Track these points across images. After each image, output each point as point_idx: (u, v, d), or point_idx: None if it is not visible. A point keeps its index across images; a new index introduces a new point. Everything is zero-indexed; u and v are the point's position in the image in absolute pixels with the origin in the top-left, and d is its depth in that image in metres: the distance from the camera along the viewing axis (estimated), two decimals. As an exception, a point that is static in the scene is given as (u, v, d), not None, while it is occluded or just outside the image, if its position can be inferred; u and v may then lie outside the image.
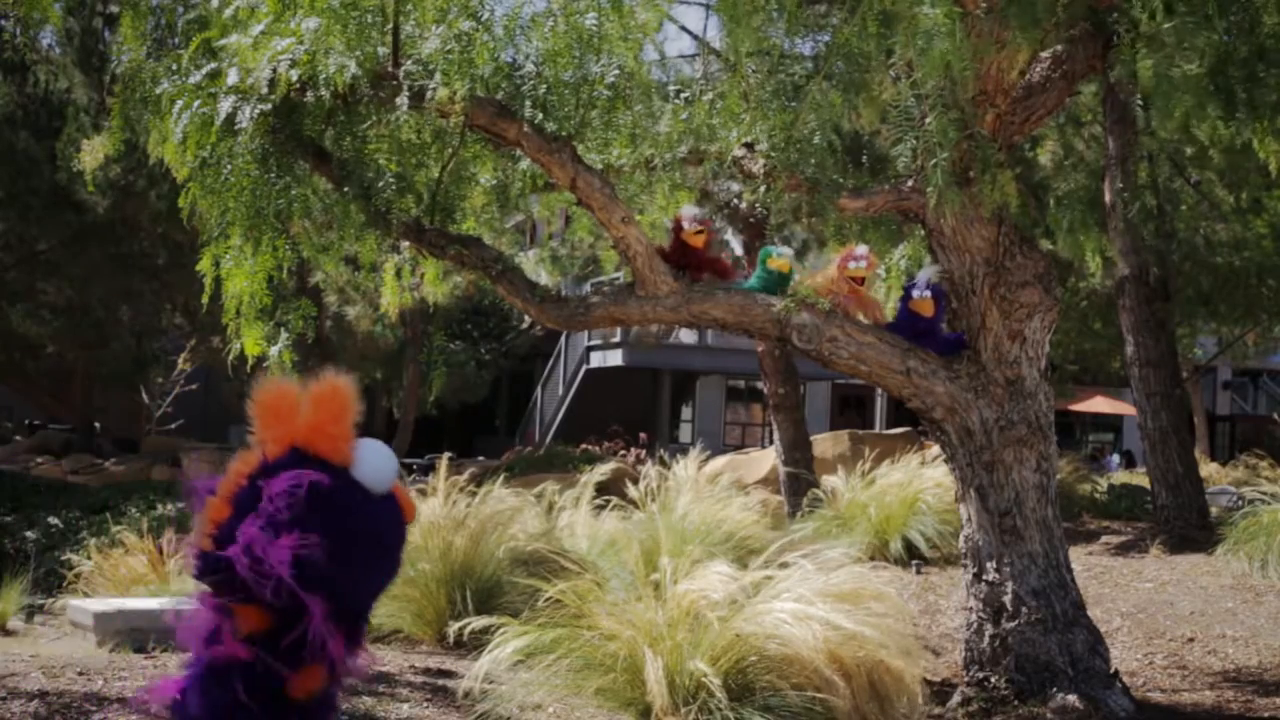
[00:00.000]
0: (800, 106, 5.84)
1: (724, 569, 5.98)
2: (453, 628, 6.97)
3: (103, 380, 22.53)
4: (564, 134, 5.99)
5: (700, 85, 7.00)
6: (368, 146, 6.20)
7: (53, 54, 18.13)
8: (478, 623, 6.44)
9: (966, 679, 6.26)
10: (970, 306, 6.26)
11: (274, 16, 5.80)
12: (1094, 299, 15.66)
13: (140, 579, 9.90)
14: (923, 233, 6.54)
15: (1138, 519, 13.30)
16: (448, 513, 8.51)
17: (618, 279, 6.36)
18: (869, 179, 7.13)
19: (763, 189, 6.23)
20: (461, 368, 24.43)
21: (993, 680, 6.10)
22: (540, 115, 5.93)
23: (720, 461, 15.75)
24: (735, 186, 12.23)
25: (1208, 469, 18.67)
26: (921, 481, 10.76)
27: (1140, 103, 5.42)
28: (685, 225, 6.26)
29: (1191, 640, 7.79)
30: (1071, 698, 5.87)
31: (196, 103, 5.83)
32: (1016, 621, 6.08)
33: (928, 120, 5.61)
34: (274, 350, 6.25)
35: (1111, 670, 6.17)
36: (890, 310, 6.68)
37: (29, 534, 13.88)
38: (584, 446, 18.80)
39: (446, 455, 9.74)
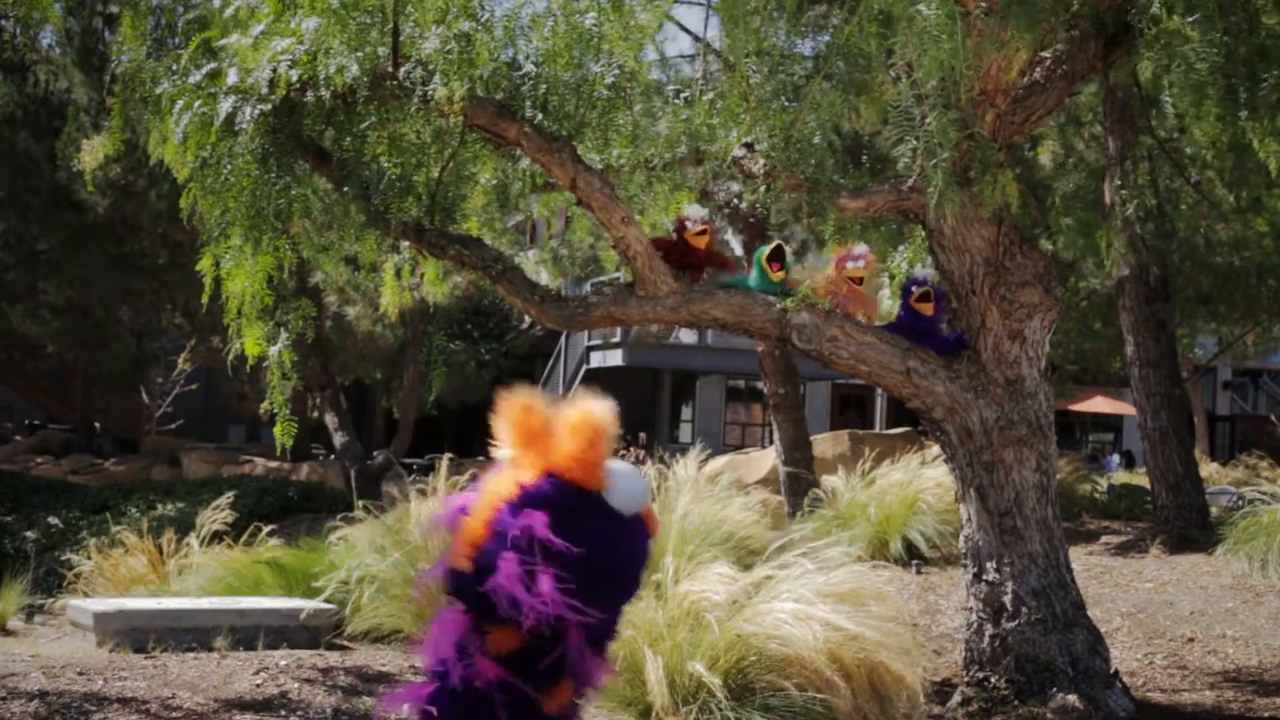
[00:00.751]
0: (800, 106, 5.84)
1: (724, 569, 5.98)
2: (453, 627, 6.96)
3: (103, 380, 22.53)
4: (564, 134, 5.99)
5: (700, 85, 7.00)
6: (367, 146, 6.20)
7: (53, 54, 18.12)
8: (478, 623, 6.43)
9: (966, 679, 6.26)
10: (970, 306, 6.26)
11: (274, 16, 5.80)
12: (1094, 299, 15.67)
13: (140, 579, 9.90)
14: (923, 233, 6.54)
15: (1138, 519, 13.29)
16: (448, 513, 8.50)
17: (618, 279, 6.36)
18: (869, 179, 7.14)
19: (763, 189, 6.23)
20: (461, 368, 24.44)
21: (993, 680, 6.10)
22: (540, 115, 5.93)
23: (720, 461, 15.75)
24: (735, 186, 12.23)
25: (1208, 469, 18.67)
26: (921, 481, 10.76)
27: (1169, 100, 5.39)
28: (688, 226, 6.26)
29: (1191, 640, 7.79)
30: (1071, 698, 5.87)
31: (196, 103, 5.83)
32: (1016, 621, 6.08)
33: (928, 120, 5.61)
34: (274, 350, 6.25)
35: (1111, 670, 6.17)
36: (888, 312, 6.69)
37: (29, 534, 13.88)
38: (584, 446, 18.76)
39: (446, 455, 9.75)
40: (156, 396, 24.61)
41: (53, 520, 14.16)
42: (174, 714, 5.74)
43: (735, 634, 5.56)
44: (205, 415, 27.94)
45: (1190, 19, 5.12)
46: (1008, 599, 6.12)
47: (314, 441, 21.58)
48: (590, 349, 26.73)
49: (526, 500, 3.16)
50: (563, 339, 27.06)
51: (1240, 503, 12.00)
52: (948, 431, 6.28)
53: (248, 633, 7.72)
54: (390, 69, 5.82)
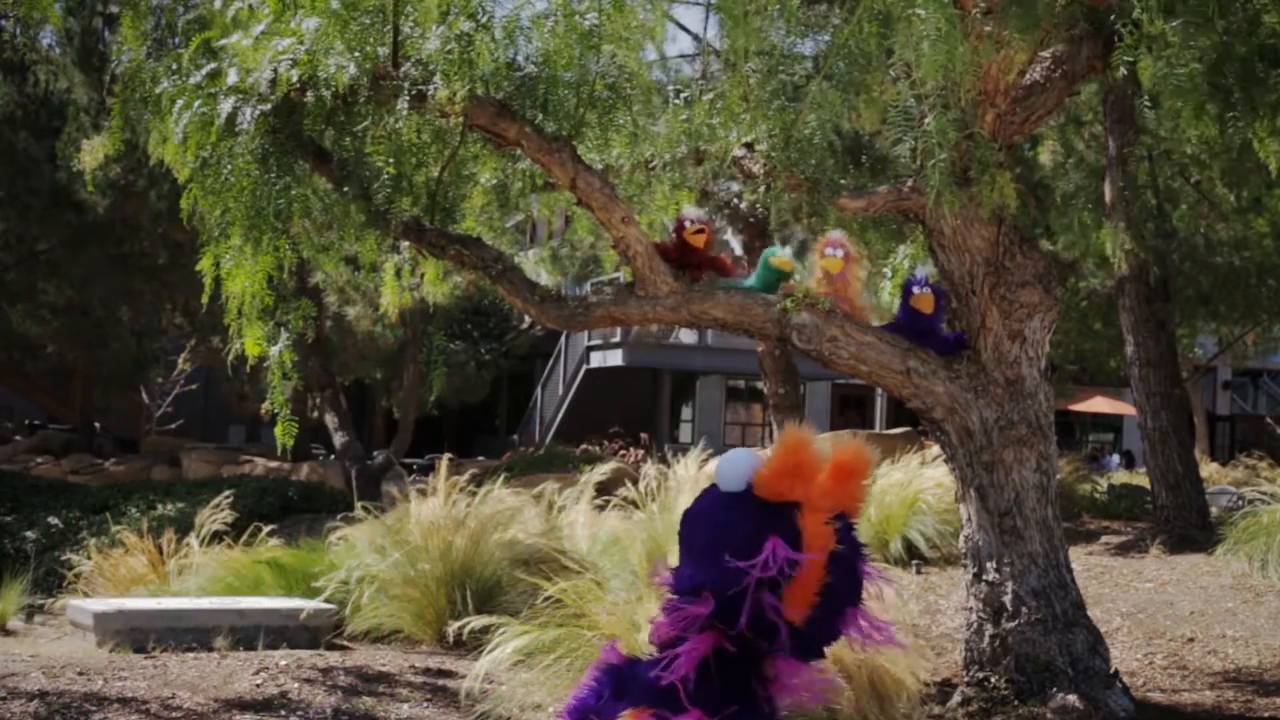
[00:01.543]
0: (800, 106, 5.83)
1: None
2: (453, 627, 6.97)
3: (103, 380, 22.51)
4: (564, 134, 5.99)
5: (700, 85, 6.99)
6: (368, 146, 6.20)
7: (53, 54, 18.10)
8: (478, 622, 6.45)
9: (966, 679, 6.26)
10: (970, 306, 6.25)
11: (274, 17, 5.80)
12: (1094, 299, 15.66)
13: (140, 579, 9.90)
14: (923, 232, 6.54)
15: (1138, 519, 13.29)
16: (448, 513, 8.52)
17: (618, 279, 6.36)
18: (869, 179, 7.13)
19: (763, 189, 6.23)
20: (461, 368, 24.43)
21: (993, 680, 6.10)
22: (540, 115, 5.93)
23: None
24: (735, 186, 12.23)
25: (1208, 469, 18.66)
26: (921, 481, 10.76)
27: (1149, 104, 5.41)
28: (686, 225, 6.26)
29: (1191, 640, 7.79)
30: (1071, 698, 5.87)
31: (197, 103, 5.83)
32: (1016, 621, 6.08)
33: (927, 120, 5.61)
34: (274, 350, 6.25)
35: (1111, 670, 6.17)
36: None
37: (29, 534, 13.87)
38: (584, 446, 18.79)
39: (446, 455, 9.75)
40: (156, 396, 24.60)
41: (53, 520, 14.15)
42: (174, 714, 5.74)
43: (735, 634, 5.55)
44: (205, 415, 27.93)
45: (1174, 23, 5.11)
46: (1008, 599, 6.12)
47: (314, 441, 21.57)
48: (590, 349, 26.72)
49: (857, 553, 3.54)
50: (563, 339, 27.05)
51: (1240, 503, 12.00)
52: (948, 431, 6.28)
53: (248, 633, 7.73)
54: (390, 69, 5.82)
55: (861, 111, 6.00)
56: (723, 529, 3.42)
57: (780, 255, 6.36)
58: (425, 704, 6.18)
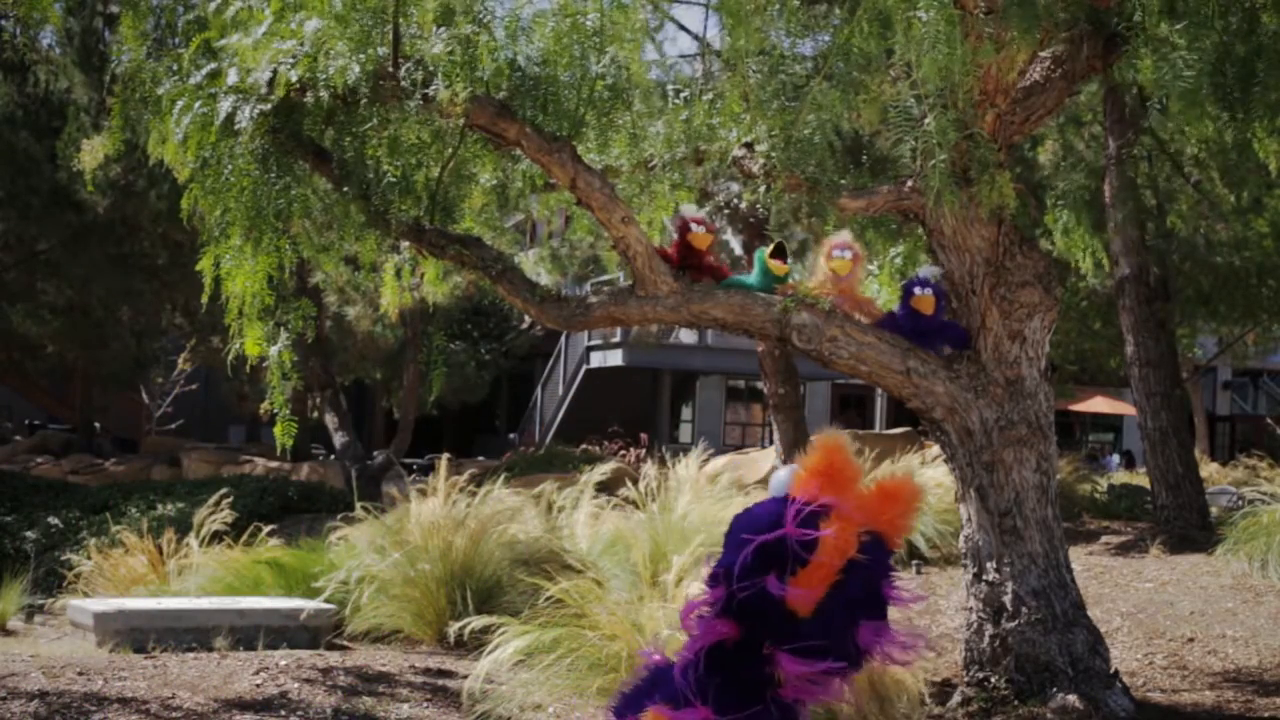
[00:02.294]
0: (800, 106, 5.83)
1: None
2: (453, 628, 6.97)
3: (103, 380, 22.52)
4: (564, 134, 5.99)
5: (700, 85, 7.00)
6: (368, 147, 6.20)
7: (53, 54, 18.11)
8: (478, 622, 6.45)
9: (966, 679, 6.26)
10: (970, 306, 6.25)
11: (275, 17, 5.80)
12: (1094, 299, 15.66)
13: (140, 579, 9.90)
14: (922, 232, 6.54)
15: (1138, 519, 13.29)
16: (448, 513, 8.52)
17: (618, 279, 6.36)
18: (869, 179, 7.12)
19: (763, 189, 6.23)
20: (461, 368, 24.43)
21: (993, 680, 6.10)
22: (540, 115, 5.93)
23: (720, 461, 15.75)
24: (735, 186, 12.23)
25: (1208, 469, 18.66)
26: (921, 481, 10.76)
27: (1158, 105, 5.41)
28: (691, 227, 6.26)
29: (1191, 640, 7.79)
30: (1071, 698, 5.87)
31: (197, 103, 5.83)
32: (1016, 621, 6.08)
33: (927, 120, 5.61)
34: (274, 350, 6.25)
35: (1111, 670, 6.17)
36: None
37: (29, 534, 13.87)
38: (584, 446, 18.80)
39: (446, 455, 9.75)
40: (156, 396, 24.61)
41: (53, 520, 14.15)
42: (174, 714, 5.74)
43: (736, 634, 5.55)
44: (205, 415, 27.94)
45: (1179, 25, 5.11)
46: (1008, 599, 6.12)
47: (314, 441, 21.58)
48: (590, 349, 26.72)
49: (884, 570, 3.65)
50: (563, 339, 27.06)
51: (1240, 503, 12.00)
52: (948, 431, 6.28)
53: (248, 633, 7.73)
54: (391, 70, 5.82)
55: (861, 111, 6.00)
56: (751, 520, 3.56)
57: (776, 261, 6.35)
58: (425, 704, 6.18)
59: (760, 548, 3.45)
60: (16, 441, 23.85)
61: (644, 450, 17.29)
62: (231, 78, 5.75)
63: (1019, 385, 6.17)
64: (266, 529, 10.02)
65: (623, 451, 17.88)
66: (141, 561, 10.09)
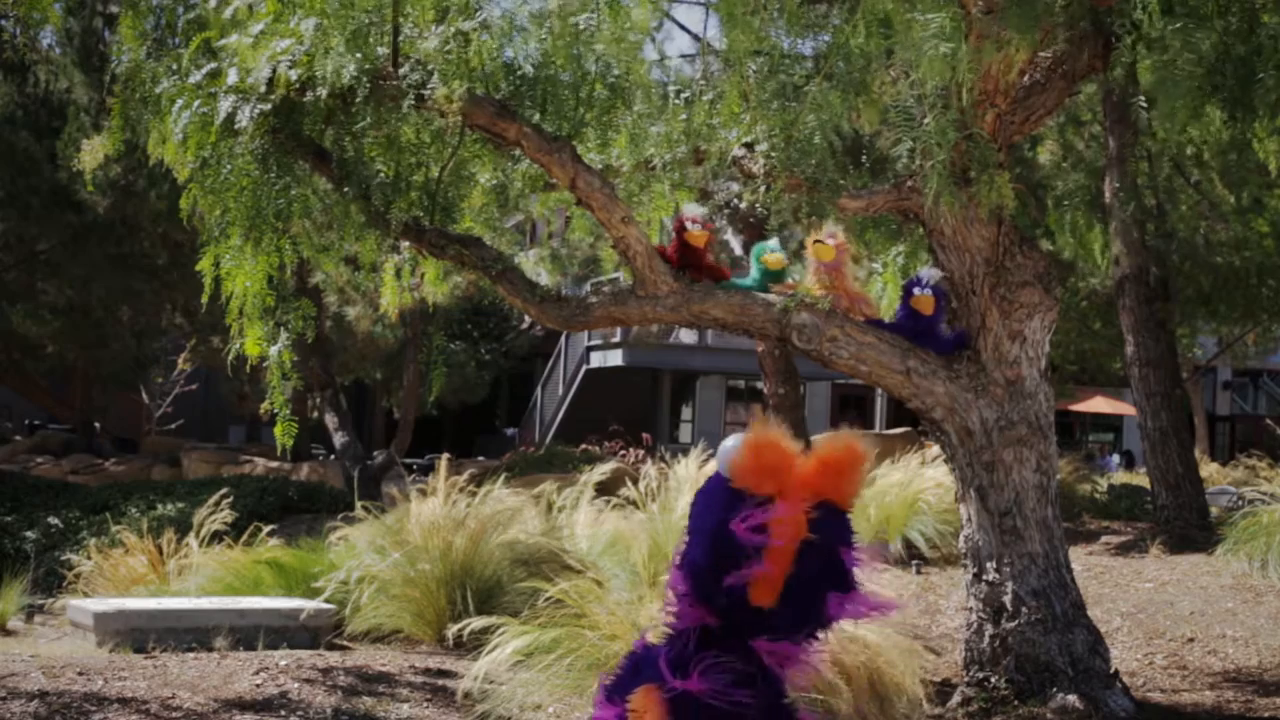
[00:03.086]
0: (800, 106, 5.83)
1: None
2: (453, 628, 6.97)
3: (103, 380, 22.51)
4: (564, 134, 5.99)
5: (700, 85, 6.99)
6: (367, 147, 6.20)
7: (53, 54, 18.12)
8: (478, 623, 6.45)
9: (966, 679, 6.26)
10: (970, 306, 6.25)
11: (274, 17, 5.81)
12: (1094, 299, 15.66)
13: (140, 579, 9.90)
14: (922, 232, 6.54)
15: (1138, 519, 13.29)
16: (448, 513, 8.51)
17: (618, 279, 6.36)
18: (869, 179, 7.12)
19: (763, 189, 6.23)
20: (461, 368, 24.42)
21: (993, 680, 6.10)
22: (540, 115, 5.93)
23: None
24: (735, 186, 12.21)
25: (1208, 469, 18.67)
26: (921, 481, 10.76)
27: (1144, 104, 5.41)
28: (688, 226, 6.26)
29: (1191, 640, 7.79)
30: (1071, 698, 5.87)
31: (196, 103, 5.84)
32: (1016, 621, 6.08)
33: (927, 120, 5.61)
34: (274, 350, 6.25)
35: (1111, 670, 6.17)
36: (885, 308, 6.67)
37: (29, 534, 13.86)
38: (584, 447, 18.79)
39: (446, 455, 9.75)
40: (156, 396, 24.60)
41: (53, 520, 14.14)
42: (174, 714, 5.74)
43: (736, 634, 5.54)
44: (205, 415, 27.93)
45: (1175, 25, 5.11)
46: (1008, 599, 6.11)
47: (314, 441, 21.57)
48: (590, 349, 26.72)
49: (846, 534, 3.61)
50: (563, 339, 27.05)
51: (1240, 503, 11.99)
52: (948, 431, 6.27)
53: (248, 633, 7.73)
54: (390, 69, 5.82)
55: (861, 111, 6.00)
56: (702, 511, 3.59)
57: (771, 254, 6.35)
58: (425, 704, 6.18)
59: (716, 544, 3.49)
60: (16, 441, 23.84)
61: (644, 450, 17.28)
62: (231, 77, 5.76)
63: (1019, 385, 6.17)
64: (266, 529, 10.02)
65: (623, 452, 17.86)
66: (141, 561, 10.08)
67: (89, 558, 10.54)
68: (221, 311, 6.30)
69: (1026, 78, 6.09)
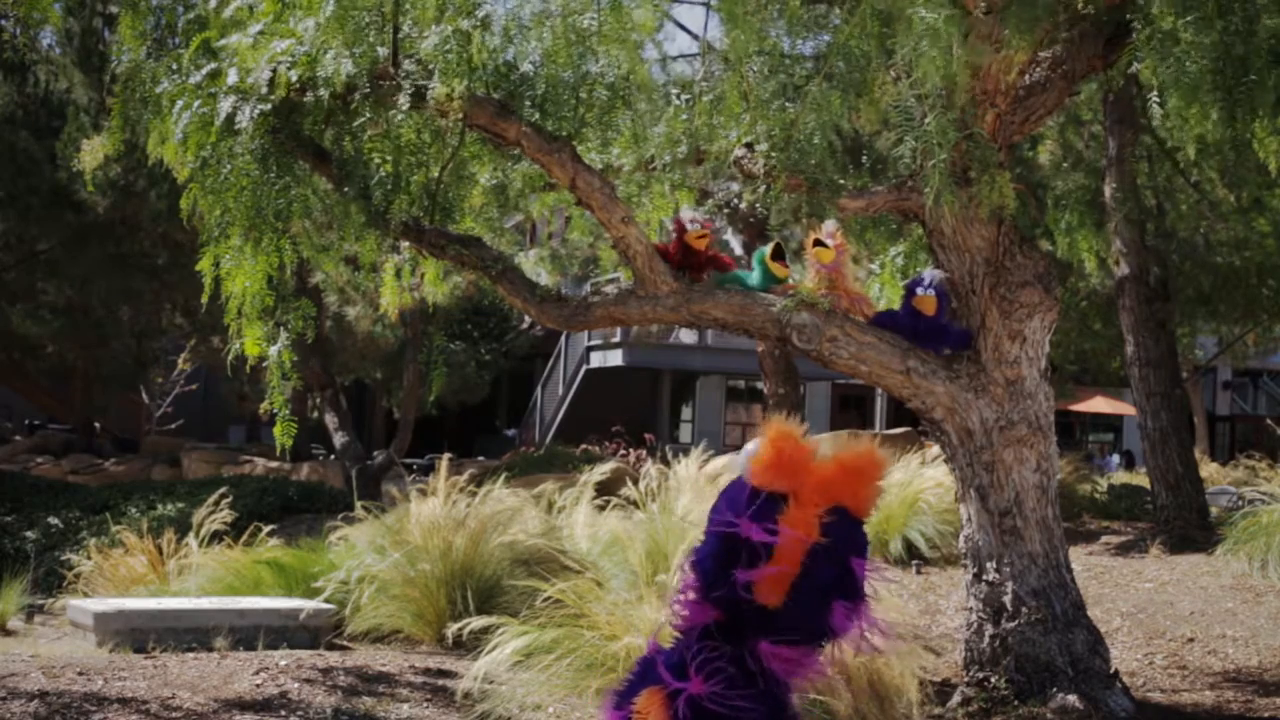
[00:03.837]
0: (800, 106, 5.83)
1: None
2: (452, 628, 6.97)
3: (103, 380, 22.50)
4: (564, 134, 5.99)
5: (700, 85, 6.99)
6: (367, 146, 6.20)
7: (53, 54, 18.12)
8: (478, 623, 6.45)
9: (966, 679, 6.26)
10: (970, 306, 6.25)
11: (273, 17, 5.81)
12: (1094, 299, 15.65)
13: (140, 579, 9.89)
14: (922, 232, 6.54)
15: (1138, 519, 13.29)
16: (448, 513, 8.51)
17: (618, 279, 6.35)
18: (869, 179, 7.13)
19: (763, 189, 6.23)
20: (461, 368, 24.41)
21: (993, 680, 6.10)
22: (540, 115, 5.93)
23: (720, 461, 15.74)
24: (735, 186, 12.22)
25: (1208, 469, 18.66)
26: (921, 481, 10.76)
27: (1157, 101, 5.38)
28: (688, 227, 6.26)
29: (1191, 640, 7.79)
30: (1071, 698, 5.87)
31: (196, 103, 5.84)
32: (1016, 621, 6.08)
33: (927, 120, 5.61)
34: (274, 350, 6.25)
35: (1111, 670, 6.17)
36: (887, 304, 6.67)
37: (29, 534, 13.86)
38: (584, 447, 18.78)
39: (446, 455, 9.75)
40: (156, 396, 24.59)
41: (53, 520, 14.14)
42: (174, 714, 5.74)
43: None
44: (205, 415, 27.92)
45: (1185, 19, 5.11)
46: (1008, 599, 6.11)
47: (314, 441, 21.57)
48: (590, 349, 26.72)
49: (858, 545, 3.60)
50: (563, 339, 27.05)
51: (1240, 503, 12.00)
52: (948, 431, 6.27)
53: (248, 633, 7.73)
54: (390, 69, 5.82)
55: (861, 111, 6.00)
56: (718, 511, 3.59)
57: (774, 261, 6.34)
58: (425, 704, 6.18)
59: (726, 542, 3.48)
60: (16, 441, 23.84)
61: (645, 450, 17.28)
62: (231, 77, 5.76)
63: (1019, 385, 6.17)
64: (266, 529, 10.01)
65: (623, 452, 17.86)
66: (141, 561, 10.08)
67: (89, 558, 10.54)
68: (221, 311, 6.30)
69: (1026, 78, 6.09)
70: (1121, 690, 6.11)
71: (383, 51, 5.79)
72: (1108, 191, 11.96)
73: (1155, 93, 5.45)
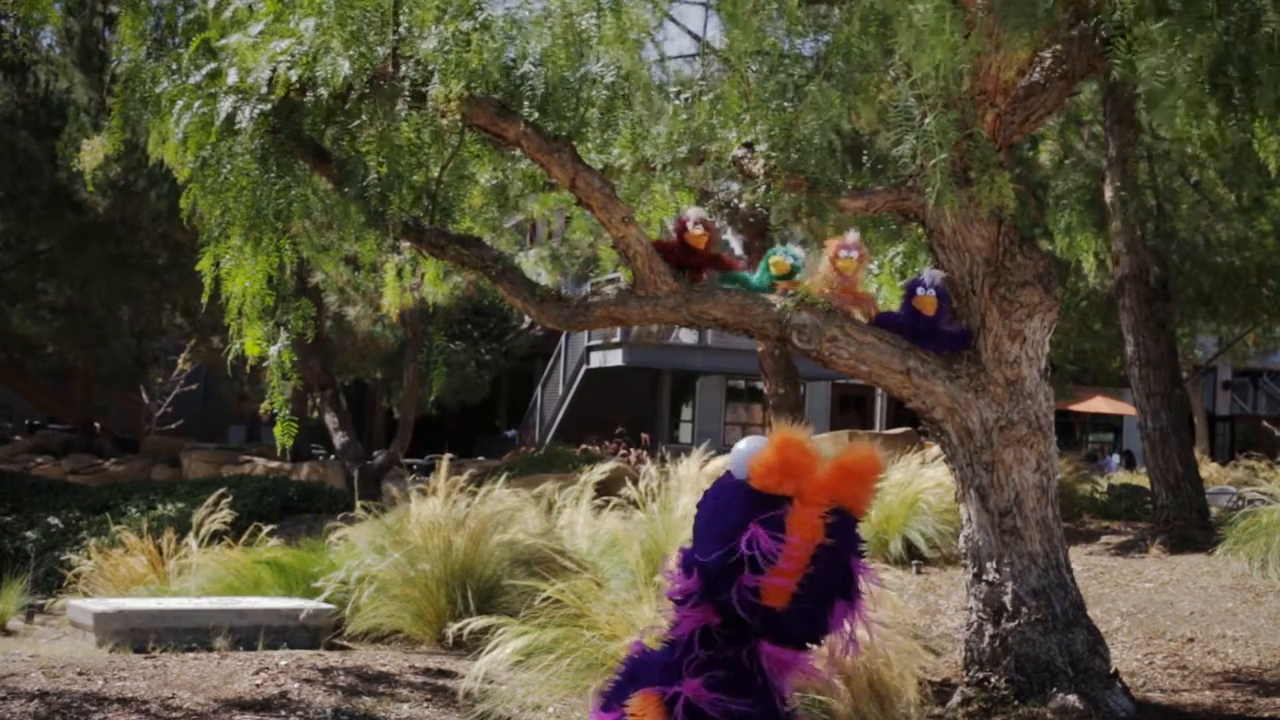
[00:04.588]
0: (800, 106, 5.83)
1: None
2: (452, 628, 6.97)
3: (103, 380, 22.51)
4: (564, 134, 5.99)
5: (700, 85, 7.00)
6: (366, 147, 6.20)
7: (53, 54, 18.13)
8: (478, 623, 6.45)
9: (966, 679, 6.26)
10: (970, 306, 6.25)
11: (273, 17, 5.80)
12: (1094, 299, 15.66)
13: (140, 579, 9.90)
14: (922, 232, 6.54)
15: (1138, 519, 13.29)
16: (448, 513, 8.51)
17: (618, 279, 6.34)
18: (869, 179, 7.13)
19: (763, 189, 6.22)
20: (461, 368, 24.42)
21: (993, 680, 6.10)
22: (539, 115, 5.93)
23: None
24: (735, 186, 12.21)
25: (1208, 469, 18.66)
26: (921, 481, 10.76)
27: (1144, 105, 5.40)
28: (688, 226, 6.26)
29: (1191, 640, 7.79)
30: (1071, 698, 5.87)
31: (196, 103, 5.84)
32: (1016, 621, 6.08)
33: (927, 120, 5.61)
34: (274, 350, 6.25)
35: (1111, 670, 6.17)
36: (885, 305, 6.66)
37: (29, 534, 13.87)
38: (584, 447, 18.79)
39: (447, 455, 9.75)
40: (156, 396, 24.59)
41: (53, 520, 14.15)
42: (174, 714, 5.74)
43: (735, 634, 5.54)
44: (205, 415, 27.92)
45: (1158, 24, 5.10)
46: (1008, 599, 6.11)
47: (314, 441, 21.57)
48: (590, 349, 26.72)
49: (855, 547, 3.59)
50: (563, 339, 27.06)
51: (1240, 503, 12.00)
52: (948, 431, 6.27)
53: (248, 633, 7.73)
54: (390, 69, 5.82)
55: (861, 111, 6.00)
56: (716, 512, 3.58)
57: (780, 259, 6.34)
58: (425, 704, 6.18)
59: (728, 544, 3.48)
60: (16, 441, 23.84)
61: (645, 450, 17.29)
62: (231, 77, 5.75)
63: (1019, 385, 6.17)
64: (266, 529, 10.02)
65: (623, 452, 17.87)
66: (141, 561, 10.08)
67: (89, 558, 10.54)
68: (221, 311, 6.30)
69: (1026, 78, 6.09)
70: (1121, 690, 6.11)
71: (382, 52, 5.79)
72: (1108, 191, 11.96)
73: (1148, 97, 5.45)
